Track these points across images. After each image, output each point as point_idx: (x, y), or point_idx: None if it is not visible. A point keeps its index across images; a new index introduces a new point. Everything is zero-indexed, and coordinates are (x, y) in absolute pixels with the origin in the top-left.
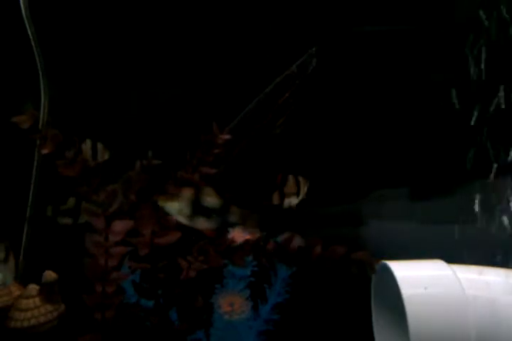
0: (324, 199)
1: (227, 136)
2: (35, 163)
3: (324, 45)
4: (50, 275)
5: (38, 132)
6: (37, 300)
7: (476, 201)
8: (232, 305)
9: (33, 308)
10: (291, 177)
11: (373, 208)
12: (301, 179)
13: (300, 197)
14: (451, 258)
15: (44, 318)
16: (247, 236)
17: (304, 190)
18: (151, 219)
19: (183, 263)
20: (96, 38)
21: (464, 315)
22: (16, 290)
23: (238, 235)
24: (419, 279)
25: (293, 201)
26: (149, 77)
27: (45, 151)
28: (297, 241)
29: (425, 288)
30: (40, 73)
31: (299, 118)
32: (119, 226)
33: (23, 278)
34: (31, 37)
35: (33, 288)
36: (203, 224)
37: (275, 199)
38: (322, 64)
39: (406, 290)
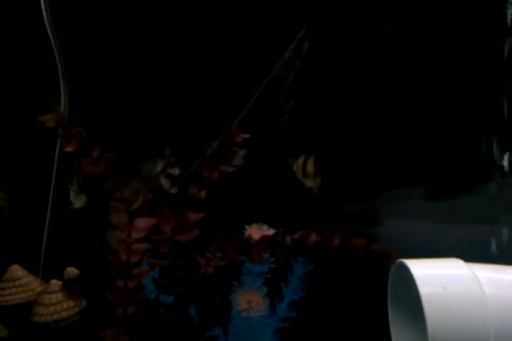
0: (340, 198)
1: (246, 135)
2: (57, 158)
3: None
4: (72, 271)
5: (62, 130)
6: (59, 295)
7: (495, 200)
8: (250, 302)
9: (56, 303)
10: (311, 158)
11: (389, 207)
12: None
13: (319, 179)
14: (469, 258)
15: (66, 313)
16: (264, 233)
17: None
18: (171, 216)
19: (202, 259)
20: (114, 38)
21: (483, 314)
22: (38, 286)
23: (255, 231)
24: (438, 278)
25: (312, 182)
26: (162, 75)
27: (69, 149)
28: (314, 237)
29: (444, 287)
30: (60, 71)
31: (312, 114)
32: (142, 223)
33: (44, 275)
34: (51, 36)
35: (56, 283)
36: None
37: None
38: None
39: (424, 289)
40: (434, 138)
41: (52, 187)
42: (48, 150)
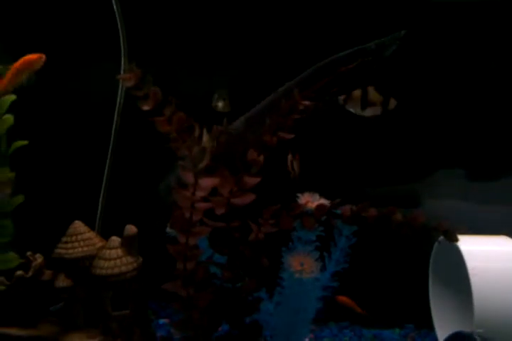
0: (381, 180)
1: (307, 102)
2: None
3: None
4: (131, 229)
5: (139, 89)
6: (119, 251)
7: None
8: (302, 264)
9: (116, 258)
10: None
11: (430, 188)
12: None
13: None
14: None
15: (125, 268)
16: (319, 202)
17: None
18: (230, 179)
19: (254, 225)
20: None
21: None
22: (98, 241)
23: (308, 200)
24: (485, 253)
25: (377, 110)
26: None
27: (145, 108)
28: (374, 210)
29: (491, 262)
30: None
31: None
32: (206, 182)
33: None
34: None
35: (116, 239)
36: None
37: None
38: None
39: (472, 264)
40: (476, 122)
41: (110, 147)
42: (103, 127)
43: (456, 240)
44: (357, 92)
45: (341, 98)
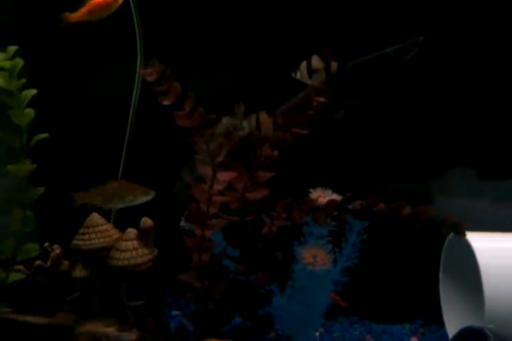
0: (393, 178)
1: (322, 99)
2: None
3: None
4: (147, 221)
5: (160, 85)
6: (135, 242)
7: None
8: (315, 256)
9: (132, 250)
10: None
11: (442, 186)
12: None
13: None
14: None
15: (141, 259)
16: (331, 197)
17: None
18: (244, 174)
19: (267, 218)
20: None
21: None
22: (115, 233)
23: (320, 195)
24: (496, 250)
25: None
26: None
27: (165, 103)
28: (383, 204)
29: (502, 258)
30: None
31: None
32: (224, 176)
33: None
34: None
35: (132, 231)
36: None
37: None
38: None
39: (483, 261)
40: (489, 120)
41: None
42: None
43: (464, 234)
44: (303, 64)
45: (294, 73)
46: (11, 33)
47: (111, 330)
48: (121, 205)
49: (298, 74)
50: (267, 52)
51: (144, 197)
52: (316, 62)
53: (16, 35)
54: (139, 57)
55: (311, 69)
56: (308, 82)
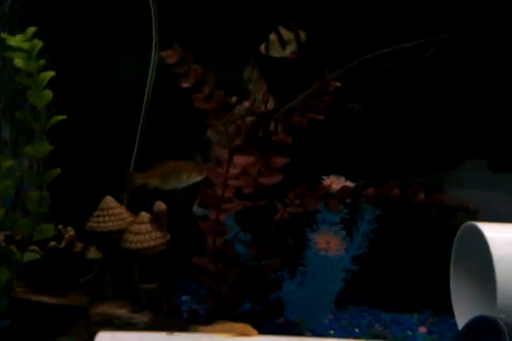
0: (406, 170)
1: (338, 84)
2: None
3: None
4: (160, 205)
5: (180, 67)
6: (148, 226)
7: None
8: (328, 243)
9: (145, 233)
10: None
11: (455, 179)
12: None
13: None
14: None
15: (154, 243)
16: (345, 183)
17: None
18: (259, 159)
19: (279, 205)
20: None
21: None
22: (128, 216)
23: (334, 182)
24: (510, 240)
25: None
26: None
27: (185, 85)
28: (397, 190)
29: None
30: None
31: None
32: (240, 159)
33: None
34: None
35: (145, 215)
36: None
37: None
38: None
39: (496, 250)
40: (502, 113)
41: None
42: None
43: (478, 219)
44: (273, 36)
45: (262, 47)
46: (29, 17)
47: (123, 312)
48: (176, 185)
49: (268, 47)
50: None
51: (198, 176)
52: (286, 33)
53: (33, 18)
54: (154, 40)
55: (283, 41)
56: (278, 54)
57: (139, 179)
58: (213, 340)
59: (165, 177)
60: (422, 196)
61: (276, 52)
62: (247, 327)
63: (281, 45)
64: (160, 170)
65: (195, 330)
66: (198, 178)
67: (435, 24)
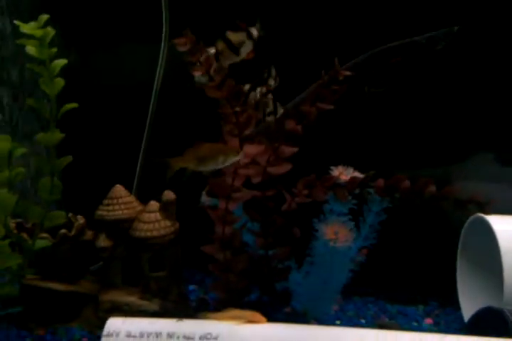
0: (414, 163)
1: (347, 73)
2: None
3: None
4: (169, 194)
5: (192, 55)
6: (158, 215)
7: None
8: (336, 233)
9: (154, 222)
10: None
11: (463, 172)
12: None
13: None
14: None
15: (163, 231)
16: (353, 174)
17: None
18: (267, 148)
19: (288, 195)
20: None
21: None
22: (137, 205)
23: (342, 173)
24: None
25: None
26: None
27: (197, 74)
28: (407, 182)
29: None
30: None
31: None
32: (251, 149)
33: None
34: None
35: (155, 204)
36: None
37: None
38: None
39: (504, 243)
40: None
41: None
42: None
43: (489, 213)
44: (220, 44)
45: (212, 51)
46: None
47: (133, 299)
48: (214, 167)
49: (223, 57)
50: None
51: (234, 157)
52: (234, 36)
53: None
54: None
55: (233, 46)
56: (232, 61)
57: (176, 164)
58: (223, 327)
59: (201, 160)
60: (432, 188)
61: (229, 59)
62: (256, 315)
63: (233, 50)
64: (195, 153)
65: (204, 317)
66: (234, 159)
67: (445, 17)
